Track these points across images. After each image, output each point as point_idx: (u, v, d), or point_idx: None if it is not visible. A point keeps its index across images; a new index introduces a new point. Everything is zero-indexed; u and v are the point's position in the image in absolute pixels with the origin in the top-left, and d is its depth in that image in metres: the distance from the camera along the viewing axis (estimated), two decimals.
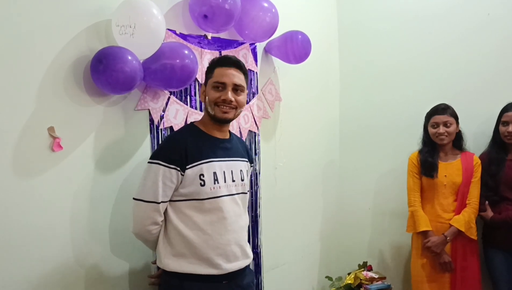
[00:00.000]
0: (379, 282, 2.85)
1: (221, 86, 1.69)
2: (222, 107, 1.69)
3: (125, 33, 1.70)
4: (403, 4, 3.04)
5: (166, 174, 1.62)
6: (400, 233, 2.96)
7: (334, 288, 2.94)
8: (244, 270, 1.78)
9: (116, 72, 1.64)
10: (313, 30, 2.80)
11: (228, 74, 1.70)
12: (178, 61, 1.85)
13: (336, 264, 3.24)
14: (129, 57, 1.69)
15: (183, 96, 2.10)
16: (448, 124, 2.53)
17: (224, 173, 1.72)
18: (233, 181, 1.75)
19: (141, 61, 1.79)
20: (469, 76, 2.80)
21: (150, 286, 1.91)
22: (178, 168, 1.63)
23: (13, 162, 1.55)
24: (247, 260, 1.79)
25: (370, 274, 2.90)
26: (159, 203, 1.63)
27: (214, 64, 1.74)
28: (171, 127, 2.05)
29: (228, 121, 1.75)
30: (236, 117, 1.77)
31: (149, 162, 1.66)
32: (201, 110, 2.18)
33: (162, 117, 2.01)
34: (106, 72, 1.64)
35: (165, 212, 1.69)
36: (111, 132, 1.84)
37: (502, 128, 2.50)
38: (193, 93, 2.14)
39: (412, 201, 2.64)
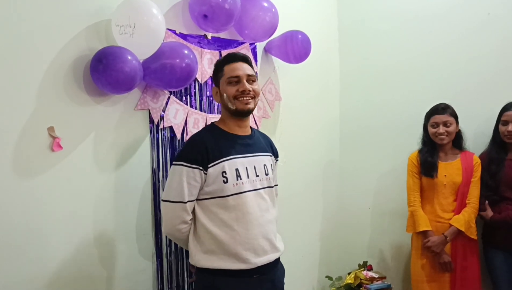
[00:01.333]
0: (379, 281, 2.85)
1: (236, 79, 1.74)
2: (242, 99, 1.73)
3: (125, 33, 1.70)
4: (403, 4, 3.03)
5: (189, 174, 1.66)
6: (400, 233, 2.96)
7: (334, 288, 2.94)
8: (275, 264, 1.82)
9: (116, 72, 1.65)
10: (313, 29, 2.80)
11: (239, 67, 1.75)
12: (178, 60, 1.85)
13: (336, 264, 3.24)
14: (129, 57, 1.69)
15: (183, 96, 2.10)
16: (448, 124, 2.53)
17: (246, 169, 1.75)
18: (257, 176, 1.78)
19: (141, 61, 1.79)
20: (469, 76, 2.80)
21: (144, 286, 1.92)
22: (201, 167, 1.67)
23: (13, 162, 1.56)
24: (277, 253, 1.82)
25: (370, 273, 2.90)
26: (185, 202, 1.68)
27: (222, 63, 1.78)
28: (171, 127, 2.05)
29: (251, 111, 1.78)
30: (256, 106, 1.81)
31: (173, 164, 1.71)
32: (201, 110, 2.18)
33: (162, 117, 2.01)
34: (106, 72, 1.64)
35: (193, 211, 1.73)
36: (111, 132, 1.84)
37: (502, 128, 2.50)
38: (193, 93, 2.14)
39: (412, 201, 2.64)
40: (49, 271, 1.66)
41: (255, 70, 2.44)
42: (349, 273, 2.98)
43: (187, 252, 2.06)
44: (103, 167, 1.82)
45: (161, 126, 2.01)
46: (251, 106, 1.75)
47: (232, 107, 1.74)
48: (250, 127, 1.87)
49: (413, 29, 2.98)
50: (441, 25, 2.88)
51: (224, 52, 2.27)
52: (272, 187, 1.86)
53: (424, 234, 2.55)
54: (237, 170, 1.72)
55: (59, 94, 1.67)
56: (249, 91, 1.73)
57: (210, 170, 1.68)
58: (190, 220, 1.72)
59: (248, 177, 1.74)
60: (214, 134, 1.75)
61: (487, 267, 2.58)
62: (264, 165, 1.83)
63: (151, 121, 1.98)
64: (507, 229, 2.44)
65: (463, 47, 2.82)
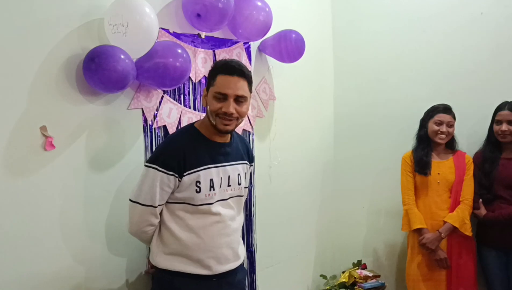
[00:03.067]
0: (373, 280, 2.86)
1: (222, 97, 1.64)
2: (223, 119, 1.65)
3: (117, 32, 1.69)
4: (397, 4, 3.05)
5: (164, 180, 1.62)
6: (394, 231, 2.98)
7: (328, 287, 2.95)
8: (234, 270, 1.79)
9: (108, 71, 1.64)
10: (307, 29, 2.80)
11: (230, 85, 1.63)
12: (171, 60, 1.84)
13: (331, 263, 3.25)
14: (122, 56, 1.68)
15: (177, 95, 2.10)
16: (450, 125, 2.58)
17: (221, 179, 1.72)
18: (229, 185, 1.75)
19: (134, 60, 1.79)
20: (463, 75, 2.82)
21: (145, 286, 1.91)
22: (176, 175, 1.63)
23: (5, 161, 1.55)
24: (238, 262, 1.80)
25: (364, 272, 2.91)
26: (156, 207, 1.65)
27: (217, 70, 1.68)
28: (164, 126, 2.04)
29: (229, 132, 1.74)
30: (237, 126, 1.75)
31: (146, 166, 1.66)
32: (195, 109, 2.18)
33: (155, 116, 2.01)
34: (98, 71, 1.64)
35: (160, 213, 1.70)
36: (104, 131, 1.84)
37: (496, 127, 2.52)
38: (186, 92, 2.14)
39: (406, 199, 2.65)
40: (41, 270, 1.65)
41: (249, 69, 2.45)
42: (343, 272, 2.99)
43: None
44: (96, 167, 1.81)
45: (154, 125, 2.00)
46: (230, 127, 1.68)
47: (212, 122, 1.68)
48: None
49: (407, 29, 2.99)
50: (434, 24, 2.90)
51: (218, 52, 2.27)
52: (241, 195, 1.84)
53: (419, 232, 2.56)
54: (211, 180, 1.69)
55: (52, 93, 1.66)
56: (232, 113, 1.64)
57: (185, 178, 1.64)
58: (157, 223, 1.70)
59: (220, 187, 1.71)
60: (193, 140, 1.70)
61: (481, 265, 2.60)
62: (238, 174, 1.80)
63: (145, 120, 1.97)
64: (500, 227, 2.45)
65: (457, 46, 2.83)
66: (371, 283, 2.82)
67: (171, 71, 1.85)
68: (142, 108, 1.96)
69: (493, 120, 2.55)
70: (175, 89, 2.08)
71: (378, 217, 3.15)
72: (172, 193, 1.67)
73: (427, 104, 2.68)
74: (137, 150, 1.95)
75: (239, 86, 1.65)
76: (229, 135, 1.80)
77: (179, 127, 2.09)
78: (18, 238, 1.58)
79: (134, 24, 1.71)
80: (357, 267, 3.00)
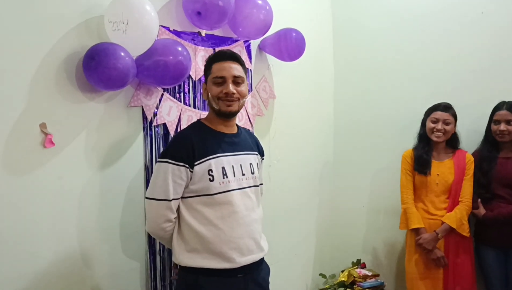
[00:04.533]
0: (373, 279, 2.86)
1: (221, 80, 1.72)
2: (225, 101, 1.72)
3: (117, 30, 1.69)
4: (397, 2, 3.05)
5: (175, 172, 1.65)
6: (394, 230, 2.98)
7: (327, 286, 2.95)
8: (259, 264, 1.80)
9: (108, 68, 1.63)
10: (307, 27, 2.80)
11: (226, 68, 1.72)
12: (171, 58, 1.84)
13: (330, 262, 3.25)
14: (122, 54, 1.68)
15: (177, 93, 2.10)
16: (447, 123, 2.56)
17: (233, 168, 1.74)
18: (243, 174, 1.77)
19: (134, 58, 1.78)
20: (463, 74, 2.82)
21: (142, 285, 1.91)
22: (187, 165, 1.65)
23: (5, 158, 1.54)
24: (261, 253, 1.80)
25: (363, 271, 2.92)
26: (170, 200, 1.66)
27: (211, 61, 1.77)
28: (164, 124, 2.04)
29: (234, 114, 1.77)
30: (241, 108, 1.80)
31: (158, 161, 1.70)
32: (194, 107, 2.17)
33: (155, 114, 2.00)
34: (98, 68, 1.63)
35: (178, 209, 1.71)
36: (103, 129, 1.83)
37: (494, 127, 2.52)
38: (186, 90, 2.14)
39: (405, 198, 2.65)
40: (39, 268, 1.65)
41: (249, 68, 2.46)
42: (342, 271, 3.00)
43: None
44: (95, 164, 1.81)
45: (154, 123, 2.00)
46: (233, 108, 1.74)
47: (215, 107, 1.73)
48: (237, 125, 1.87)
49: (406, 28, 2.99)
50: (434, 23, 2.90)
51: (218, 50, 2.26)
52: (257, 186, 1.85)
53: (417, 231, 2.56)
54: (223, 168, 1.70)
55: (51, 91, 1.66)
56: (233, 93, 1.71)
57: (196, 168, 1.66)
58: (174, 218, 1.71)
59: (234, 176, 1.73)
60: (200, 132, 1.74)
61: (479, 264, 2.61)
62: (250, 163, 1.82)
63: (144, 118, 1.97)
64: (499, 226, 2.46)
65: (457, 45, 2.84)
66: (370, 282, 2.83)
67: (171, 69, 1.85)
68: (142, 106, 1.95)
69: (491, 120, 2.55)
70: (175, 87, 2.08)
71: (377, 216, 3.16)
72: (187, 187, 1.68)
73: (426, 102, 2.68)
74: (136, 148, 1.95)
75: (234, 67, 1.74)
76: (236, 127, 1.84)
77: (179, 125, 2.09)
78: (16, 235, 1.58)
79: (134, 22, 1.71)
80: (356, 266, 3.00)
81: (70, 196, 1.73)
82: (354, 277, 2.88)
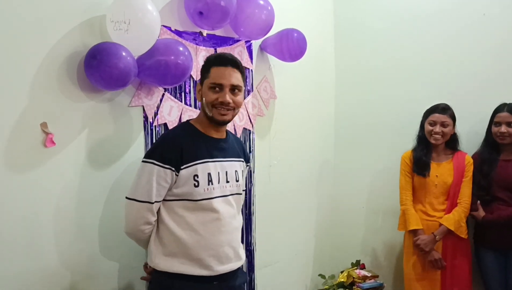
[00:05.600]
0: (372, 280, 2.86)
1: (218, 87, 1.66)
2: (220, 109, 1.66)
3: (119, 29, 1.69)
4: (399, 3, 3.04)
5: (160, 174, 1.59)
6: (393, 231, 2.97)
7: (327, 286, 2.95)
8: (236, 272, 1.76)
9: (110, 68, 1.63)
10: (309, 28, 2.79)
11: (225, 75, 1.66)
12: (172, 57, 1.84)
13: (329, 262, 3.25)
14: (123, 53, 1.68)
15: (178, 93, 2.09)
16: (445, 125, 2.55)
17: (218, 174, 1.69)
18: (227, 181, 1.72)
19: (136, 57, 1.78)
20: (464, 76, 2.82)
21: (140, 286, 1.91)
22: (173, 168, 1.60)
23: (5, 157, 1.54)
24: (239, 262, 1.77)
25: (363, 272, 2.91)
26: (152, 203, 1.61)
27: (210, 63, 1.70)
28: (165, 124, 2.04)
29: (226, 123, 1.73)
30: (234, 117, 1.75)
31: (143, 161, 1.64)
32: (195, 107, 2.17)
33: (156, 114, 2.00)
34: (100, 68, 1.63)
35: (158, 211, 1.67)
36: (104, 128, 1.83)
37: (494, 129, 2.52)
38: (187, 90, 2.14)
39: (404, 199, 2.66)
40: (40, 266, 1.65)
41: (250, 68, 2.46)
42: (342, 272, 3.00)
43: None
44: (96, 164, 1.81)
45: (155, 123, 2.00)
46: (227, 117, 1.68)
47: (209, 114, 1.67)
48: (226, 130, 1.81)
49: (408, 29, 2.99)
50: (436, 25, 2.90)
51: (220, 50, 2.26)
52: (240, 193, 1.81)
53: (415, 232, 2.57)
54: (209, 174, 1.66)
55: (53, 90, 1.66)
56: (228, 103, 1.65)
57: (182, 171, 1.61)
58: (154, 221, 1.66)
59: (218, 183, 1.69)
60: (189, 134, 1.69)
61: (479, 266, 2.60)
62: (236, 171, 1.77)
63: (145, 117, 1.97)
64: (498, 229, 2.46)
65: (458, 47, 2.83)
66: (369, 283, 2.82)
67: (172, 69, 1.85)
68: (143, 106, 1.95)
69: (492, 122, 2.55)
70: (176, 87, 2.07)
71: (377, 217, 3.15)
72: (170, 189, 1.63)
73: (428, 104, 2.67)
74: (137, 148, 1.95)
75: (234, 76, 1.67)
76: (225, 132, 1.80)
77: None
78: (17, 234, 1.58)
79: (136, 22, 1.71)
80: (355, 267, 3.00)
81: (70, 195, 1.73)
82: (354, 278, 2.88)
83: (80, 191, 1.76)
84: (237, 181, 1.77)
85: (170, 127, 2.05)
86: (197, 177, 1.63)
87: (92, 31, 1.76)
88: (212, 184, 1.66)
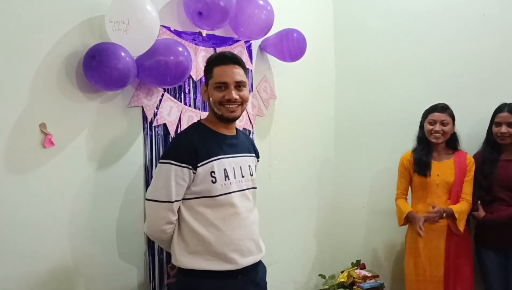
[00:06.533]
0: (372, 280, 2.85)
1: (223, 85, 1.70)
2: (228, 106, 1.70)
3: (118, 29, 1.68)
4: (399, 3, 3.04)
5: (178, 173, 1.63)
6: (394, 231, 2.97)
7: (327, 286, 2.95)
8: (257, 265, 1.81)
9: (109, 68, 1.63)
10: (309, 28, 2.79)
11: (228, 73, 1.70)
12: (172, 58, 1.84)
13: (330, 262, 3.24)
14: (122, 54, 1.68)
15: (177, 93, 2.09)
16: (445, 123, 2.55)
17: (233, 169, 1.74)
18: (243, 176, 1.77)
19: (135, 58, 1.78)
20: (464, 76, 2.81)
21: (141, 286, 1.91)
22: (190, 167, 1.64)
23: (4, 158, 1.54)
24: (261, 254, 1.81)
25: (363, 272, 2.91)
26: (173, 202, 1.65)
27: (212, 63, 1.74)
28: (164, 124, 2.04)
29: (236, 118, 1.77)
30: (243, 112, 1.79)
31: (160, 162, 1.68)
32: (195, 107, 2.17)
33: (155, 114, 2.00)
34: (99, 68, 1.63)
35: (178, 211, 1.70)
36: (103, 129, 1.83)
37: (495, 129, 2.51)
38: (187, 91, 2.13)
39: (397, 194, 2.67)
40: (40, 267, 1.65)
41: (250, 68, 2.45)
42: (342, 272, 2.99)
43: None
44: (95, 164, 1.81)
45: (154, 124, 2.00)
46: (236, 113, 1.74)
47: (218, 112, 1.72)
48: (235, 127, 1.86)
49: (409, 28, 2.99)
50: (436, 25, 2.89)
51: (219, 50, 2.26)
52: (255, 188, 1.85)
53: (412, 217, 2.54)
54: (225, 170, 1.70)
55: (52, 90, 1.65)
56: (236, 99, 1.70)
57: (199, 169, 1.65)
58: (175, 220, 1.69)
59: (235, 178, 1.73)
60: (202, 133, 1.73)
61: (479, 267, 2.60)
62: (249, 166, 1.82)
63: (145, 118, 1.97)
64: (499, 229, 2.45)
65: (459, 47, 2.83)
66: (370, 283, 2.82)
67: (172, 69, 1.84)
68: (142, 106, 1.95)
69: (492, 122, 2.54)
70: (175, 87, 2.07)
71: (377, 217, 3.15)
72: (188, 188, 1.67)
73: (428, 103, 2.67)
74: (137, 148, 1.95)
75: (236, 72, 1.71)
76: (235, 129, 1.84)
77: (179, 126, 2.09)
78: (16, 235, 1.58)
79: (135, 22, 1.70)
80: (356, 267, 2.99)
81: (70, 196, 1.73)
82: (354, 278, 2.87)
83: (79, 192, 1.76)
84: (251, 175, 1.82)
85: (170, 127, 2.05)
86: (214, 174, 1.67)
87: (91, 31, 1.76)
88: (228, 179, 1.71)
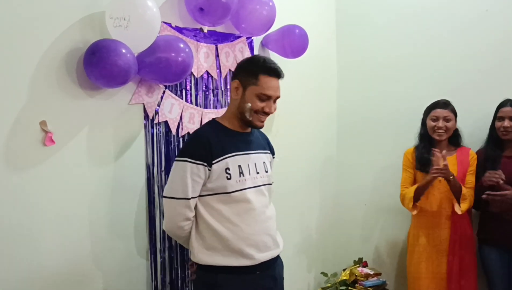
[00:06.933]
0: (375, 278, 2.84)
1: (266, 97, 1.74)
2: (261, 116, 1.76)
3: (119, 26, 1.67)
4: (401, 0, 3.01)
5: (193, 170, 1.66)
6: (396, 229, 2.96)
7: (329, 284, 2.93)
8: (275, 260, 1.84)
9: (109, 65, 1.62)
10: (311, 24, 2.77)
11: (274, 87, 1.75)
12: (173, 54, 1.82)
13: (332, 260, 3.23)
14: (123, 50, 1.66)
15: (179, 90, 2.07)
16: (448, 119, 2.53)
17: (248, 166, 1.77)
18: (257, 173, 1.80)
19: (136, 54, 1.76)
20: (467, 72, 2.80)
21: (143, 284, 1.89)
22: (205, 164, 1.67)
23: (4, 156, 1.53)
24: (278, 249, 1.84)
25: (365, 270, 2.90)
26: (189, 199, 1.68)
27: (259, 69, 1.74)
28: (166, 122, 2.02)
29: (261, 127, 1.83)
30: None
31: (176, 160, 1.71)
32: (196, 104, 2.15)
33: (157, 112, 1.98)
34: (99, 65, 1.61)
35: (195, 207, 1.73)
36: (104, 126, 1.82)
37: (497, 123, 2.50)
38: (188, 87, 2.12)
39: (401, 190, 2.64)
40: (41, 267, 1.63)
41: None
42: (344, 270, 2.98)
43: (181, 248, 2.05)
44: (96, 162, 1.79)
45: (156, 121, 1.98)
46: (263, 124, 1.80)
47: (248, 118, 1.75)
48: None
49: (411, 25, 2.96)
50: (439, 21, 2.87)
51: (221, 47, 2.24)
52: (271, 184, 1.88)
53: (422, 190, 2.50)
54: (239, 166, 1.73)
55: (52, 88, 1.64)
56: (271, 113, 1.77)
57: (214, 166, 1.68)
58: (192, 217, 1.72)
59: (249, 174, 1.76)
60: (216, 131, 1.76)
61: (482, 263, 2.59)
62: (264, 162, 1.85)
63: (146, 115, 1.95)
64: (501, 225, 2.44)
65: (461, 43, 2.81)
66: (372, 281, 2.81)
67: (173, 66, 1.83)
68: (143, 103, 1.93)
69: (495, 118, 2.53)
70: (176, 84, 2.06)
71: (379, 215, 3.14)
72: (204, 185, 1.70)
73: (431, 100, 2.65)
74: (138, 146, 1.93)
75: (279, 88, 1.79)
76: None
77: (180, 123, 2.07)
78: (16, 234, 1.57)
79: (136, 18, 1.69)
80: (358, 265, 2.98)
81: (70, 194, 1.72)
82: (356, 275, 2.86)
83: (80, 190, 1.75)
84: (266, 171, 1.85)
85: (171, 125, 2.04)
86: (229, 170, 1.70)
87: (92, 27, 1.74)
88: (243, 175, 1.74)
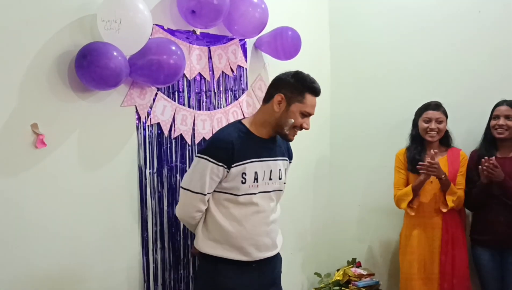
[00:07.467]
0: (368, 278, 2.85)
1: (308, 115, 1.83)
2: (296, 131, 1.85)
3: (110, 29, 1.67)
4: (395, 1, 3.02)
5: (213, 170, 1.74)
6: (389, 229, 2.97)
7: (323, 285, 2.94)
8: (272, 258, 1.93)
9: (100, 68, 1.62)
10: (304, 26, 2.78)
11: (314, 106, 1.84)
12: (165, 57, 1.83)
13: (325, 261, 3.24)
14: (114, 53, 1.67)
15: (171, 92, 2.08)
16: (440, 121, 2.55)
17: (264, 173, 1.84)
18: (270, 179, 1.87)
19: (128, 57, 1.77)
20: (461, 74, 2.81)
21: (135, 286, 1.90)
22: (225, 166, 1.75)
23: None
24: (275, 250, 1.94)
25: (358, 270, 2.91)
26: (205, 194, 1.77)
27: (306, 89, 1.80)
28: (158, 124, 2.03)
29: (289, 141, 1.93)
30: None
31: (197, 156, 1.78)
32: (189, 106, 2.16)
33: (149, 114, 1.99)
34: (90, 68, 1.62)
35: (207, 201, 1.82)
36: (96, 128, 1.82)
37: (493, 122, 2.51)
38: (181, 89, 2.12)
39: (395, 192, 2.65)
40: (32, 270, 1.64)
41: (245, 66, 2.45)
42: (337, 270, 2.99)
43: (173, 249, 2.07)
44: (88, 165, 1.80)
45: (148, 123, 1.99)
46: (294, 138, 1.87)
47: (286, 132, 1.82)
48: None
49: (403, 26, 2.97)
50: (432, 22, 2.88)
51: (213, 49, 2.25)
52: (281, 190, 1.96)
53: (416, 185, 2.52)
54: (256, 173, 1.81)
55: (43, 90, 1.64)
56: (307, 129, 1.85)
57: (233, 169, 1.76)
58: (205, 209, 1.82)
59: (263, 180, 1.84)
60: (241, 134, 1.81)
61: (475, 265, 2.60)
62: (279, 169, 1.92)
63: (138, 117, 1.96)
64: (494, 227, 2.45)
65: (454, 45, 2.82)
66: (365, 281, 2.82)
67: (165, 68, 1.84)
68: (135, 106, 1.94)
69: (491, 117, 2.54)
70: (169, 86, 2.06)
71: (373, 215, 3.15)
72: (220, 182, 1.78)
73: (424, 101, 2.66)
74: (130, 148, 1.94)
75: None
76: None
77: (173, 125, 2.08)
78: (7, 237, 1.57)
79: (127, 21, 1.69)
80: (351, 265, 2.99)
81: (62, 197, 1.72)
82: (349, 276, 2.87)
83: (72, 192, 1.75)
84: (280, 179, 1.92)
85: (163, 127, 2.04)
86: (245, 175, 1.79)
87: (83, 30, 1.74)
88: (257, 181, 1.82)
